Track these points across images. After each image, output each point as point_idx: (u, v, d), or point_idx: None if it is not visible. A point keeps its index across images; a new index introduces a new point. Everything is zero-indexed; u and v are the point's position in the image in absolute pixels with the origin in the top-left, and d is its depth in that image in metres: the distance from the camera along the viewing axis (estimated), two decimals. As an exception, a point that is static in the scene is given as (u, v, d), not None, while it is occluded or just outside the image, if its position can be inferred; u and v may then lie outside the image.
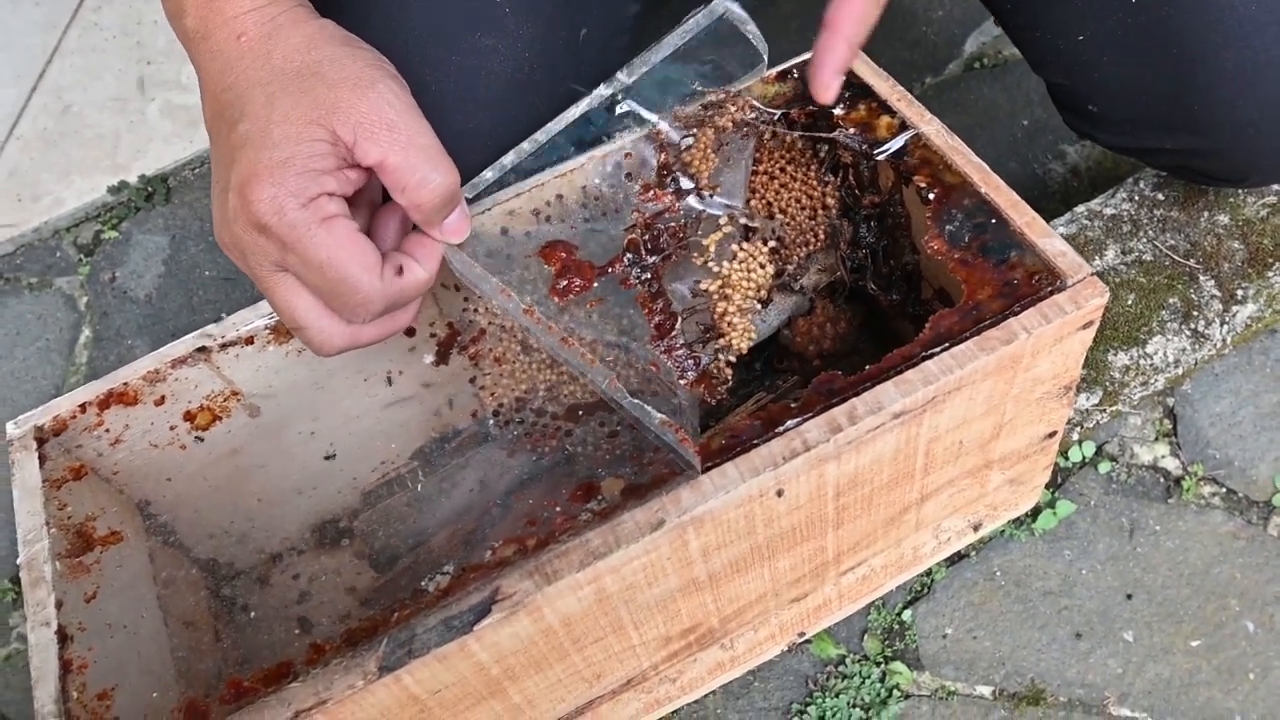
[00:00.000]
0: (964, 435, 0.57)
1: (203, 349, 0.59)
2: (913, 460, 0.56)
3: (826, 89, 0.60)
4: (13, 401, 1.00)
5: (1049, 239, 0.53)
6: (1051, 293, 0.52)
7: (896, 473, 0.56)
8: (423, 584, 0.48)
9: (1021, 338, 0.50)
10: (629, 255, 0.57)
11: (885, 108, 0.60)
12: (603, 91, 0.59)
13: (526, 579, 0.48)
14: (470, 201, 0.59)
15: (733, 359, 0.57)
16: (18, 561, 0.53)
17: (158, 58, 1.22)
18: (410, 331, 0.62)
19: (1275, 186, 0.84)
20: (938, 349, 0.51)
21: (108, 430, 0.59)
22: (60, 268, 1.09)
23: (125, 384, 0.59)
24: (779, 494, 0.51)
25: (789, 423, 0.49)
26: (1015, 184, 0.96)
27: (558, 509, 0.49)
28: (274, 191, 0.48)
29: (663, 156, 0.59)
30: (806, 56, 0.64)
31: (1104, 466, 0.82)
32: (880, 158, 0.59)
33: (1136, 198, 0.85)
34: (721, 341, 0.57)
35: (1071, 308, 0.51)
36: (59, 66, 1.21)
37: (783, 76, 0.63)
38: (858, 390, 0.50)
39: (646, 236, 0.57)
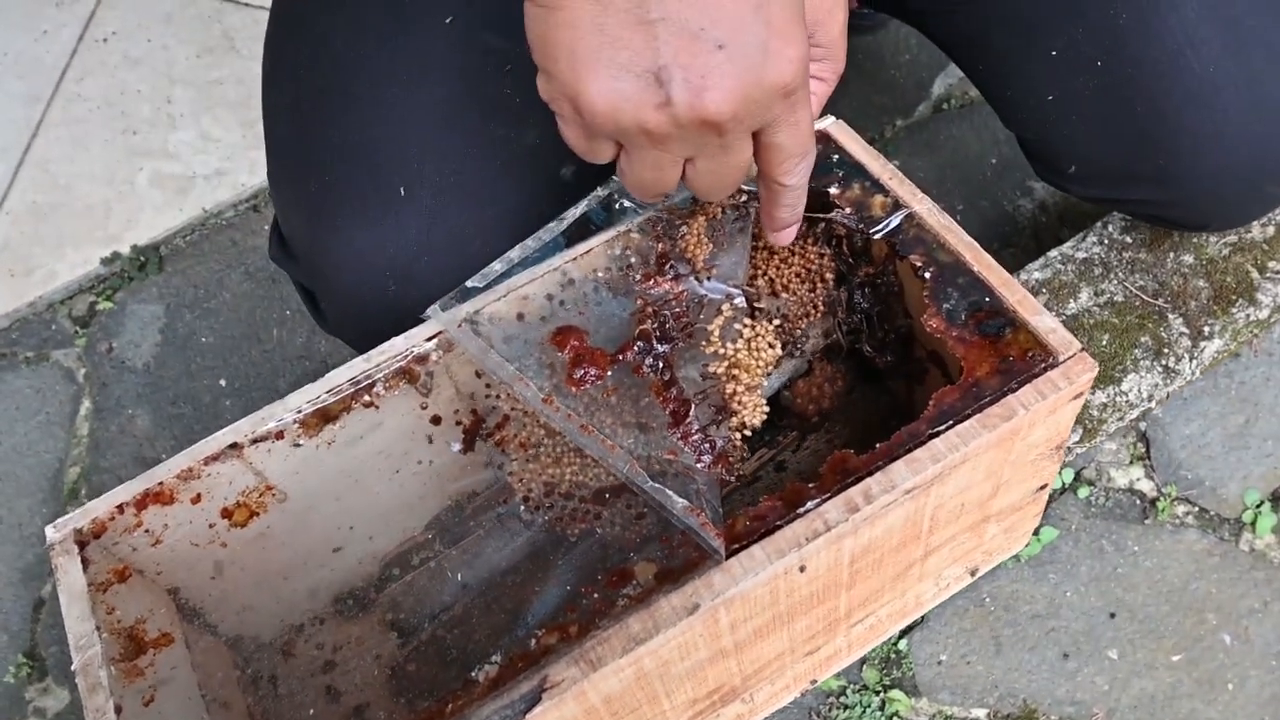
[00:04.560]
0: (965, 499, 0.60)
1: (234, 445, 0.61)
2: (920, 525, 0.59)
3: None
4: (16, 476, 1.01)
5: (1039, 316, 0.56)
6: (1045, 369, 0.55)
7: (905, 537, 0.59)
8: (472, 674, 0.51)
9: (1020, 414, 0.54)
10: (640, 344, 0.59)
11: (878, 186, 0.64)
12: (600, 193, 0.62)
13: (573, 666, 0.50)
14: (483, 290, 0.62)
15: (747, 434, 0.60)
16: (72, 668, 0.55)
17: (143, 127, 1.22)
18: (436, 419, 0.65)
19: (1235, 226, 0.89)
20: (942, 427, 0.54)
21: (148, 531, 0.60)
22: (57, 340, 1.10)
23: (160, 483, 0.60)
24: (801, 569, 0.54)
25: (809, 504, 0.53)
26: (986, 221, 1.00)
27: (595, 595, 0.52)
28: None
29: (660, 246, 0.62)
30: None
31: (1083, 491, 0.86)
32: (876, 237, 0.62)
33: (1106, 241, 0.89)
34: (735, 421, 0.60)
35: (1064, 383, 0.54)
36: (45, 139, 1.21)
37: (777, 158, 0.66)
38: (871, 470, 0.53)
39: (655, 325, 0.60)
